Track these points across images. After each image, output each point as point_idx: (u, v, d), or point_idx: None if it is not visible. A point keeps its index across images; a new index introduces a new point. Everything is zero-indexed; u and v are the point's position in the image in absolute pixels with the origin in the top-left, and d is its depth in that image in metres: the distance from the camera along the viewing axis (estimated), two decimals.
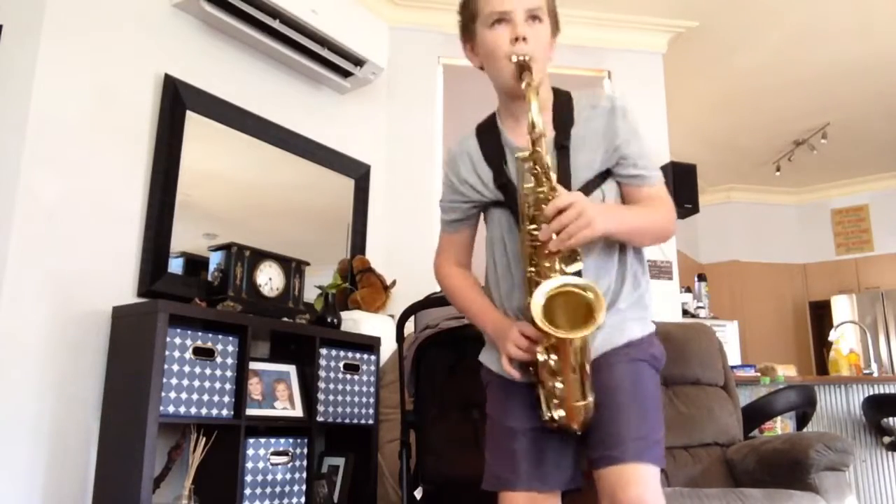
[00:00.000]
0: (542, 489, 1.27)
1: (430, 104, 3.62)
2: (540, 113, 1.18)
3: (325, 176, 3.14)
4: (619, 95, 1.38)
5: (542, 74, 1.30)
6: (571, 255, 1.21)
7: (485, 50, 1.32)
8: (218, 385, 2.18)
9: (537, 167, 1.20)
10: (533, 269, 1.24)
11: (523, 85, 1.21)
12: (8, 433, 1.99)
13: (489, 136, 1.38)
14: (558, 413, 1.23)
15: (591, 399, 1.22)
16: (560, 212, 1.16)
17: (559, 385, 1.20)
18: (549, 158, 1.21)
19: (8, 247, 2.06)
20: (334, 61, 3.07)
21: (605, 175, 1.32)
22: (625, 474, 1.19)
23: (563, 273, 1.19)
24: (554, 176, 1.21)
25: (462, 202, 1.41)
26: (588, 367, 1.20)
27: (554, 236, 1.17)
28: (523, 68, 1.23)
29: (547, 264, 1.21)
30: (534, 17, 1.28)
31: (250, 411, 2.25)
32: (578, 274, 1.20)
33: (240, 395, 2.21)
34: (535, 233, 1.21)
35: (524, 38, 1.25)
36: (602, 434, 1.23)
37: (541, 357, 1.20)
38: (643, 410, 1.25)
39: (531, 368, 1.27)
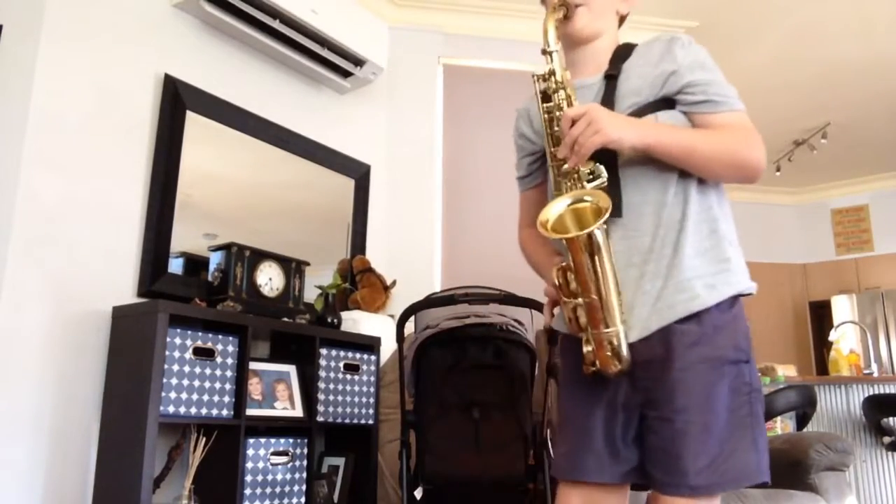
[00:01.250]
0: (602, 481, 1.18)
1: (430, 104, 3.61)
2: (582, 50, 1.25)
3: (325, 176, 3.14)
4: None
5: (597, 26, 1.28)
6: (592, 174, 1.15)
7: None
8: (218, 385, 2.18)
9: (552, 81, 1.18)
10: (558, 192, 1.20)
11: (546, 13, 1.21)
12: (8, 433, 1.99)
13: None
14: (588, 349, 1.15)
15: (620, 330, 1.13)
16: (573, 124, 1.11)
17: (580, 312, 1.14)
18: (568, 75, 1.19)
19: (8, 247, 2.06)
20: (334, 61, 3.07)
21: (661, 104, 1.22)
22: None
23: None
24: (574, 96, 1.18)
25: (524, 156, 1.42)
26: (611, 292, 1.12)
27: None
28: (558, 6, 1.22)
29: (571, 181, 1.17)
30: None
31: (250, 411, 2.25)
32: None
33: (240, 395, 2.21)
34: (556, 150, 1.18)
35: None
36: (662, 452, 1.13)
37: (558, 280, 1.16)
38: (712, 436, 1.11)
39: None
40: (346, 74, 3.17)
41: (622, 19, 1.35)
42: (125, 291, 2.31)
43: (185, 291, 2.39)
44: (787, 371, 4.03)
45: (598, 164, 1.15)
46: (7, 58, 2.25)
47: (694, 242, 1.17)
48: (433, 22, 3.62)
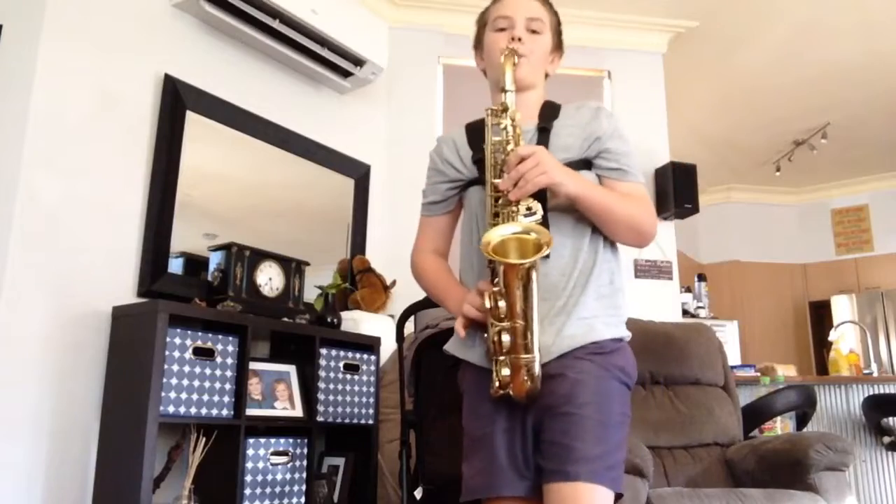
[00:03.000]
0: (513, 494, 1.23)
1: (430, 104, 3.62)
2: (518, 111, 1.28)
3: (325, 176, 3.14)
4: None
5: (533, 78, 1.40)
6: (530, 209, 1.22)
7: (486, 49, 1.43)
8: (218, 385, 2.18)
9: (505, 119, 1.27)
10: (492, 223, 1.25)
11: (502, 58, 1.30)
12: (8, 433, 1.99)
13: (476, 127, 1.42)
14: (503, 372, 1.20)
15: (536, 357, 1.20)
16: (521, 161, 1.19)
17: (505, 337, 1.18)
18: (518, 115, 1.27)
19: (8, 247, 2.06)
20: (334, 61, 3.07)
21: (584, 164, 1.35)
22: (576, 494, 1.15)
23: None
24: (521, 135, 1.27)
25: (441, 181, 1.46)
26: (534, 320, 1.19)
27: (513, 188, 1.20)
28: (511, 53, 1.32)
29: (508, 213, 1.23)
30: (533, 30, 1.39)
31: (250, 411, 2.25)
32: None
33: (240, 395, 2.21)
34: (498, 182, 1.25)
35: (519, 39, 1.36)
36: (558, 446, 1.20)
37: (487, 302, 1.19)
38: (606, 429, 1.21)
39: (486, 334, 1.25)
40: (346, 74, 3.17)
41: (546, 76, 1.48)
42: (125, 291, 2.31)
43: (185, 291, 2.39)
44: (787, 371, 4.02)
45: (535, 201, 1.23)
46: (7, 58, 2.25)
47: (597, 288, 1.31)
48: (433, 22, 3.62)
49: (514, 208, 1.22)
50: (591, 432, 1.19)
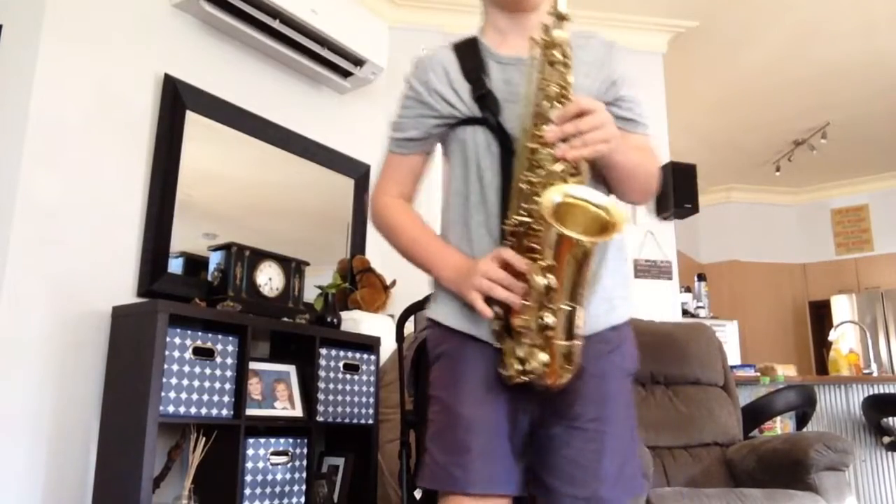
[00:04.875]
0: (495, 493, 1.06)
1: None
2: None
3: (325, 176, 3.14)
4: None
5: None
6: (576, 170, 1.02)
7: None
8: (218, 385, 2.18)
9: (557, 53, 1.04)
10: (527, 180, 1.04)
11: None
12: (8, 433, 1.99)
13: (468, 49, 1.22)
14: (537, 359, 1.01)
15: (580, 343, 1.02)
16: (581, 115, 0.99)
17: (549, 319, 0.99)
18: (570, 51, 1.05)
19: (8, 247, 2.06)
20: (334, 61, 3.07)
21: None
22: None
23: None
24: (570, 77, 1.04)
25: (428, 116, 1.22)
26: (585, 297, 1.01)
27: (560, 144, 0.99)
28: None
29: (546, 173, 1.02)
30: None
31: (250, 411, 2.25)
32: None
33: (240, 395, 2.21)
34: (540, 134, 1.03)
35: None
36: (583, 469, 1.06)
37: (538, 279, 0.98)
38: (630, 443, 1.10)
39: (499, 310, 1.06)
40: (346, 74, 3.17)
41: None
42: (125, 291, 2.31)
43: (184, 291, 2.39)
44: (786, 371, 4.02)
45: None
46: (7, 58, 2.25)
47: (612, 260, 1.16)
48: (433, 22, 3.62)
49: (556, 166, 1.02)
50: (620, 451, 1.08)
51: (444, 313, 1.17)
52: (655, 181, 1.23)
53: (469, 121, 1.17)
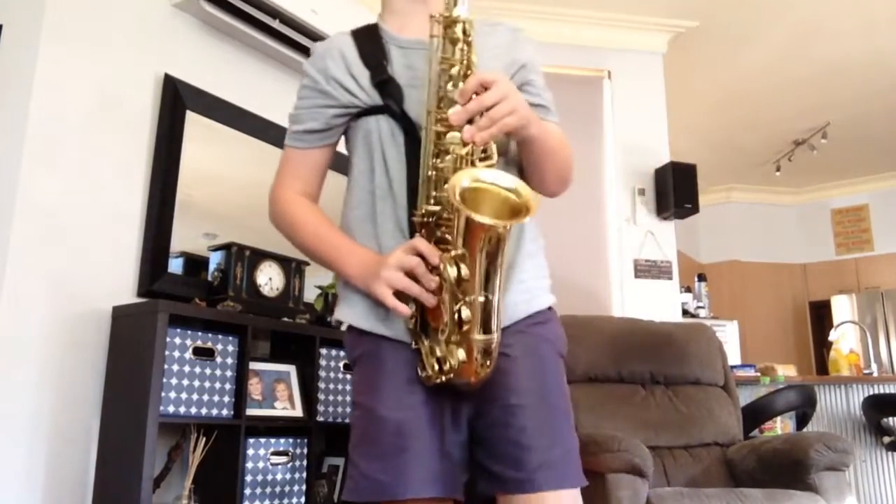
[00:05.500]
0: (435, 495, 1.01)
1: None
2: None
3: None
4: None
5: None
6: (485, 152, 0.98)
7: None
8: (218, 385, 2.18)
9: (458, 31, 0.99)
10: (434, 167, 0.99)
11: None
12: (8, 433, 1.99)
13: (367, 35, 1.18)
14: (455, 357, 0.96)
15: (497, 337, 0.97)
16: (481, 90, 0.94)
17: (466, 313, 0.93)
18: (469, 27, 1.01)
19: (8, 247, 2.06)
20: None
21: None
22: None
23: None
24: (473, 55, 1.00)
25: (326, 106, 1.15)
26: (498, 293, 0.95)
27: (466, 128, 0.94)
28: None
29: (453, 157, 0.97)
30: None
31: (250, 411, 2.25)
32: None
33: (240, 395, 2.22)
34: (444, 116, 0.98)
35: None
36: (513, 446, 1.00)
37: (450, 270, 0.93)
38: (561, 418, 1.05)
39: (411, 305, 1.00)
40: None
41: None
42: (125, 291, 2.31)
43: (185, 291, 2.39)
44: (787, 371, 4.03)
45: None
46: (7, 58, 2.25)
47: (527, 243, 1.11)
48: None
49: (464, 150, 0.97)
50: (549, 425, 1.02)
51: (355, 314, 1.10)
52: (571, 170, 1.15)
53: (371, 110, 1.11)
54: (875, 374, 4.73)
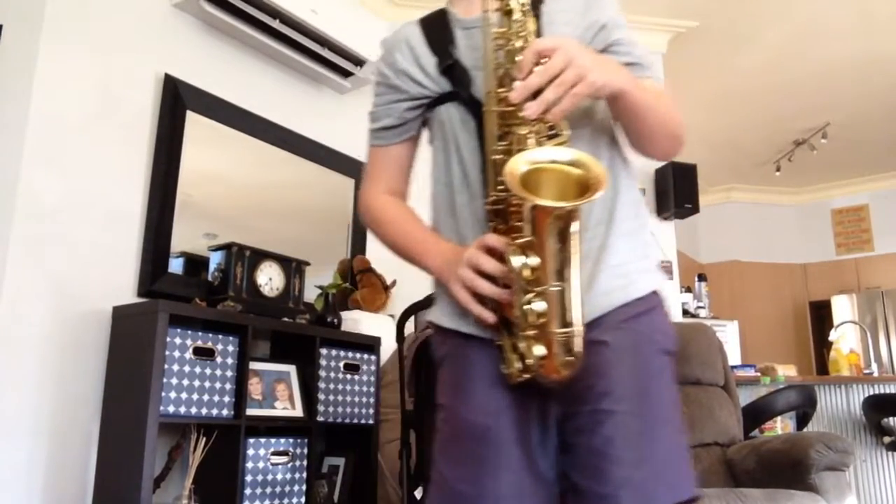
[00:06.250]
0: None
1: None
2: None
3: (325, 176, 3.13)
4: None
5: None
6: (553, 129, 0.90)
7: None
8: (218, 385, 2.18)
9: (510, 1, 0.92)
10: (500, 150, 0.93)
11: None
12: (8, 433, 1.99)
13: (435, 21, 1.12)
14: (536, 351, 0.88)
15: (580, 329, 0.88)
16: (540, 59, 0.86)
17: (539, 305, 0.86)
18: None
19: (8, 247, 2.06)
20: (334, 61, 3.07)
21: None
22: None
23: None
24: (532, 25, 0.92)
25: (398, 100, 1.12)
26: (575, 281, 0.87)
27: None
28: None
29: (520, 135, 0.90)
30: None
31: (250, 411, 2.25)
32: None
33: (240, 395, 2.21)
34: (506, 95, 0.90)
35: None
36: (597, 457, 0.91)
37: (517, 260, 0.86)
38: (657, 428, 0.93)
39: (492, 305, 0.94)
40: (346, 74, 3.17)
41: None
42: (125, 291, 2.31)
43: (185, 291, 2.39)
44: (787, 371, 4.03)
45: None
46: (7, 58, 2.25)
47: (624, 222, 1.01)
48: None
49: (530, 129, 0.90)
50: (642, 437, 0.92)
51: (440, 313, 1.06)
52: (679, 125, 1.04)
53: (441, 98, 1.07)
54: (875, 374, 4.74)
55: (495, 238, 0.92)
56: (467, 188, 1.03)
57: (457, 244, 1.02)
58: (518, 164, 0.85)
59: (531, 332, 0.88)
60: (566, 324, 0.87)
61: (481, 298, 0.94)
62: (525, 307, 0.87)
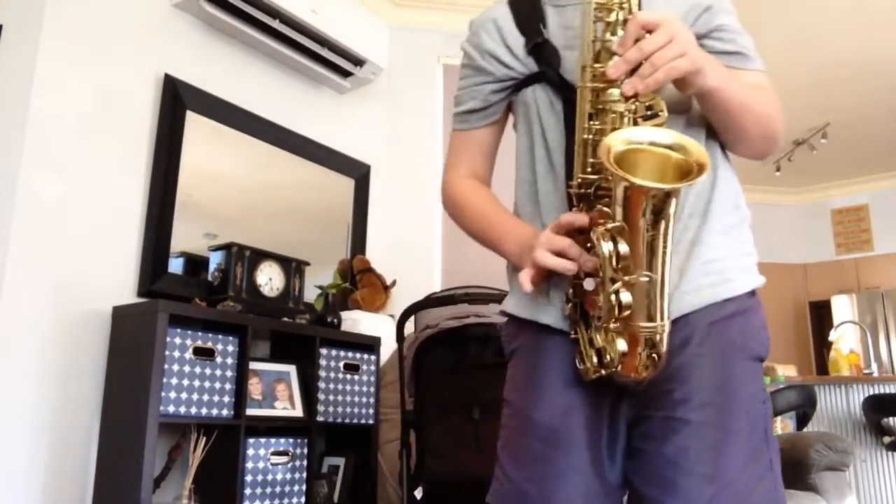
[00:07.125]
0: None
1: (430, 104, 3.61)
2: None
3: (325, 176, 3.14)
4: None
5: None
6: (651, 109, 0.85)
7: None
8: (218, 385, 2.18)
9: None
10: (591, 131, 0.87)
11: None
12: (8, 433, 1.99)
13: (526, 1, 1.05)
14: (615, 348, 0.83)
15: (666, 326, 0.82)
16: (644, 33, 0.81)
17: (625, 296, 0.79)
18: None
19: (8, 247, 2.06)
20: (334, 61, 3.07)
21: None
22: None
23: None
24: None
25: (484, 82, 1.07)
26: (667, 273, 0.80)
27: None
28: None
29: (614, 114, 0.84)
30: None
31: (250, 411, 2.25)
32: None
33: (240, 395, 2.21)
34: (602, 70, 0.86)
35: None
36: (661, 464, 0.86)
37: (605, 245, 0.79)
38: (740, 442, 0.87)
39: (571, 292, 0.88)
40: (346, 74, 3.17)
41: None
42: (125, 291, 2.31)
43: (185, 291, 2.39)
44: (787, 371, 4.03)
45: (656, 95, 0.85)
46: (7, 58, 2.25)
47: (721, 216, 0.96)
48: (433, 22, 3.62)
49: (625, 107, 0.84)
50: (718, 452, 0.85)
51: (515, 302, 1.00)
52: (779, 126, 0.99)
53: (528, 80, 1.01)
54: (875, 374, 4.73)
55: (572, 214, 0.86)
56: (551, 173, 0.99)
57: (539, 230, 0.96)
58: (614, 142, 0.79)
59: (613, 326, 0.82)
60: (651, 318, 0.81)
61: (550, 279, 0.89)
62: (612, 297, 0.80)
